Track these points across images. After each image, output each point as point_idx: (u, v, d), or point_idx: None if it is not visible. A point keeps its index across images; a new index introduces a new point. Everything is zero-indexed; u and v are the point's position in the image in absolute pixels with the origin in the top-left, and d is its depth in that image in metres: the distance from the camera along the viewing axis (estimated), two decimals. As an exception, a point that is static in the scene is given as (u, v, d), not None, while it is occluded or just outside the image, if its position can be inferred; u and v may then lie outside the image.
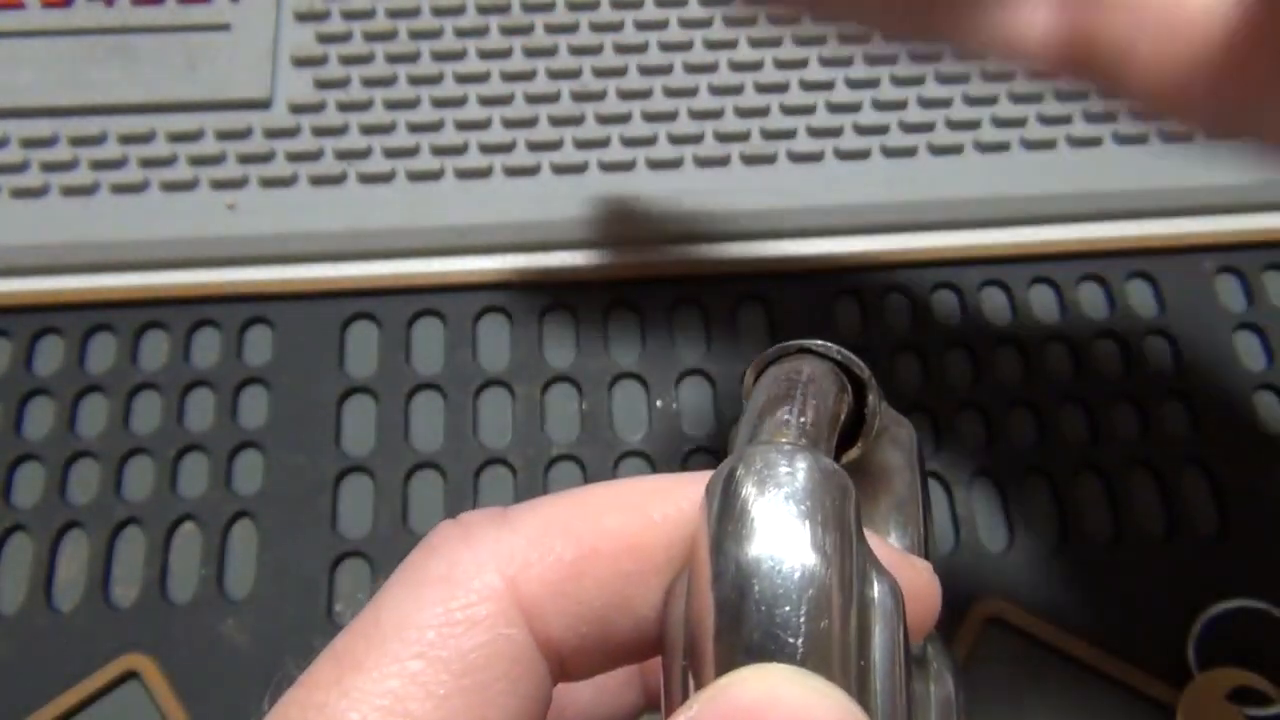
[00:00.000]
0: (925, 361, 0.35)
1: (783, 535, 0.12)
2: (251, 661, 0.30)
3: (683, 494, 0.14)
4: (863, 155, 0.38)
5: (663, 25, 0.40)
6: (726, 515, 0.13)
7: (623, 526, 0.14)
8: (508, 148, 0.38)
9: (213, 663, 0.30)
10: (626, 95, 0.39)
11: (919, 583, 0.15)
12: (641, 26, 0.40)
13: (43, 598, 0.31)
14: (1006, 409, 0.34)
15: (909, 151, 0.38)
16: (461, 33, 0.40)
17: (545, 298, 0.36)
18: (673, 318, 0.36)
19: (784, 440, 0.14)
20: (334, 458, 0.33)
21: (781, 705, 0.11)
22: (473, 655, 0.13)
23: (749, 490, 0.13)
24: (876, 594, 0.13)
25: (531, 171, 0.38)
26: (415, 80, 0.39)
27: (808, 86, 0.39)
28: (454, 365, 0.35)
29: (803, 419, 0.14)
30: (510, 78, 0.39)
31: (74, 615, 0.31)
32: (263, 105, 0.38)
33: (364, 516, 0.33)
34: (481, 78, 0.39)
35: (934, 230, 0.38)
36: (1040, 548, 0.32)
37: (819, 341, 0.16)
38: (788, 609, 0.12)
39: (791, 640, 0.12)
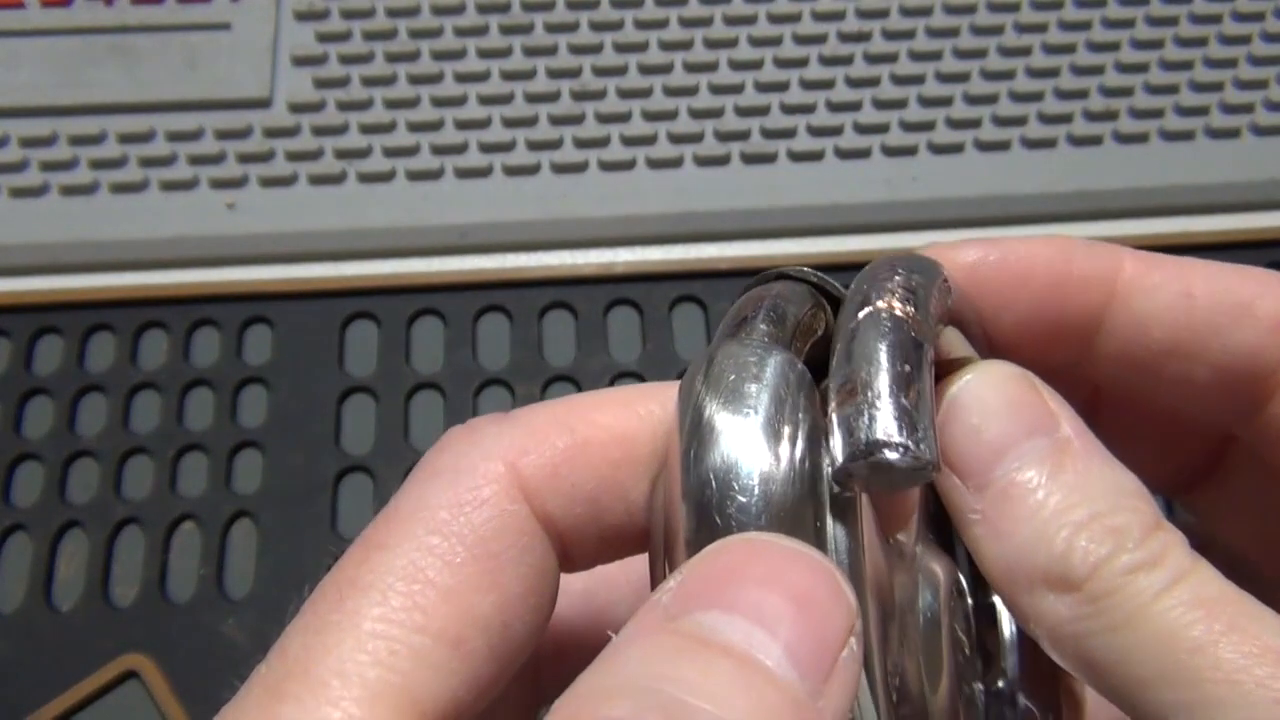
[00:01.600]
0: (925, 360, 0.35)
1: (738, 437, 0.13)
2: (251, 662, 0.30)
3: (665, 394, 0.16)
4: (863, 154, 0.38)
5: (663, 25, 0.40)
6: (690, 422, 0.14)
7: (611, 420, 0.15)
8: (508, 147, 0.38)
9: (213, 663, 0.30)
10: (626, 94, 0.39)
11: None
12: (641, 26, 0.40)
13: (43, 597, 0.31)
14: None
15: (909, 150, 0.38)
16: (461, 32, 0.40)
17: (545, 297, 0.36)
18: (672, 316, 0.36)
19: (747, 339, 0.15)
20: (334, 457, 0.33)
21: (760, 560, 0.13)
22: (482, 529, 0.14)
23: (708, 394, 0.14)
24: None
25: (531, 171, 0.38)
26: (415, 79, 0.39)
27: (808, 85, 0.39)
28: (454, 365, 0.35)
29: (764, 325, 0.15)
30: (510, 77, 0.39)
31: (74, 615, 0.31)
32: (263, 105, 0.38)
33: (364, 516, 0.33)
34: (481, 77, 0.39)
35: (934, 229, 0.37)
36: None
37: (796, 267, 0.17)
38: (746, 499, 0.13)
39: (756, 524, 0.13)
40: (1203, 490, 0.22)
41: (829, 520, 0.14)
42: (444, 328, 0.36)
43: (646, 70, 0.39)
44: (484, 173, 0.38)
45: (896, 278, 0.15)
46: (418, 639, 0.13)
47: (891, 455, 0.13)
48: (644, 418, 0.15)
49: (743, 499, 0.13)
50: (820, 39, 0.40)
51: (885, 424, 0.13)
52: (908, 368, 0.14)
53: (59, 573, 0.32)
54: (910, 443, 0.13)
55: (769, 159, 0.38)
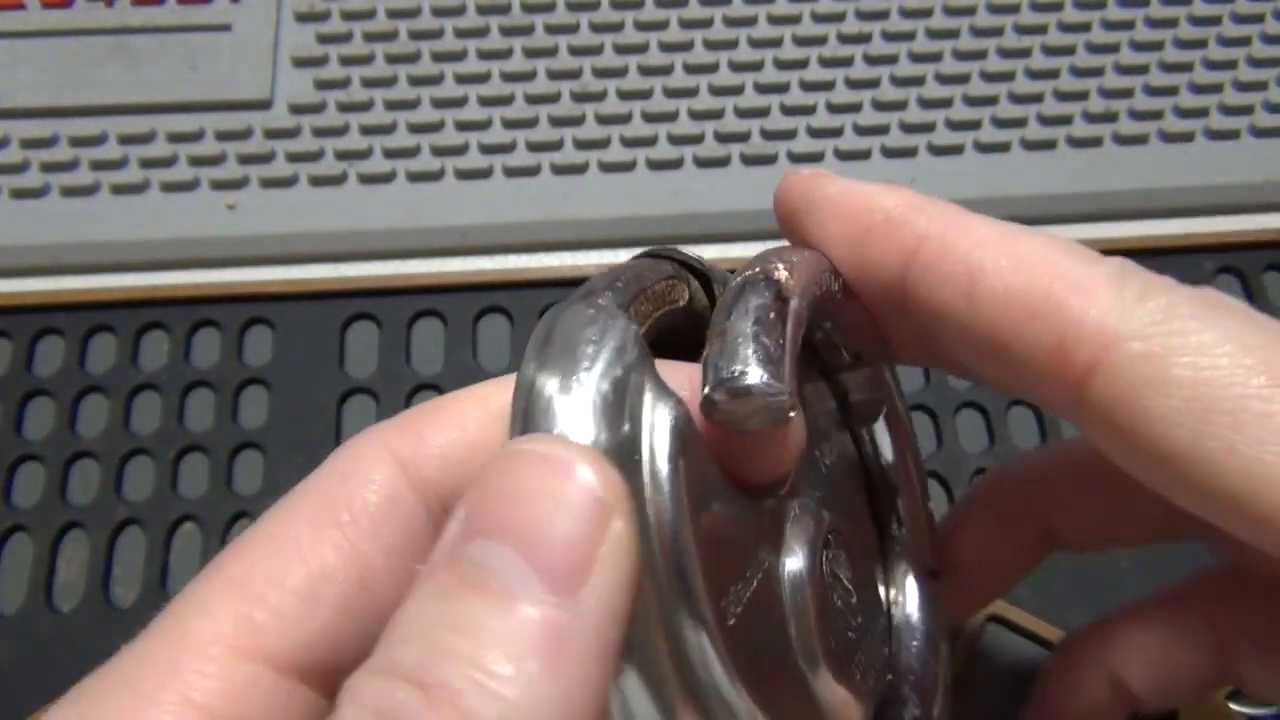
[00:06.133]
0: (925, 362, 0.35)
1: (552, 365, 0.14)
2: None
3: None
4: (863, 155, 0.38)
5: (663, 25, 0.40)
6: (519, 381, 0.14)
7: (477, 393, 0.17)
8: (508, 148, 0.38)
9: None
10: (626, 95, 0.39)
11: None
12: (641, 27, 0.40)
13: (43, 599, 0.31)
14: (1007, 409, 0.34)
15: (909, 152, 0.38)
16: (461, 33, 0.40)
17: (545, 298, 0.36)
18: (673, 318, 0.36)
19: (583, 304, 0.15)
20: (334, 458, 0.33)
21: (515, 473, 0.12)
22: (346, 496, 0.15)
23: (536, 356, 0.14)
24: (655, 413, 0.14)
25: (531, 171, 0.38)
26: (415, 81, 0.39)
27: (808, 86, 0.39)
28: (454, 365, 0.35)
29: (609, 290, 0.16)
30: (510, 78, 0.39)
31: (75, 616, 0.31)
32: (263, 105, 0.38)
33: (364, 517, 0.33)
34: (482, 78, 0.39)
35: (934, 230, 0.37)
36: (1040, 548, 0.32)
37: (665, 246, 0.18)
38: (548, 417, 0.13)
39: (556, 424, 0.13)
40: None
41: (645, 448, 0.14)
42: (444, 329, 0.36)
43: (647, 71, 0.39)
44: (484, 174, 0.38)
45: (776, 257, 0.16)
46: (272, 592, 0.14)
47: (750, 381, 0.14)
48: (506, 386, 0.16)
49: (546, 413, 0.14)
50: (820, 40, 0.40)
51: (745, 356, 0.14)
52: (772, 315, 0.15)
53: (60, 574, 0.32)
54: (767, 374, 0.14)
55: (769, 160, 0.38)
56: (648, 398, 0.14)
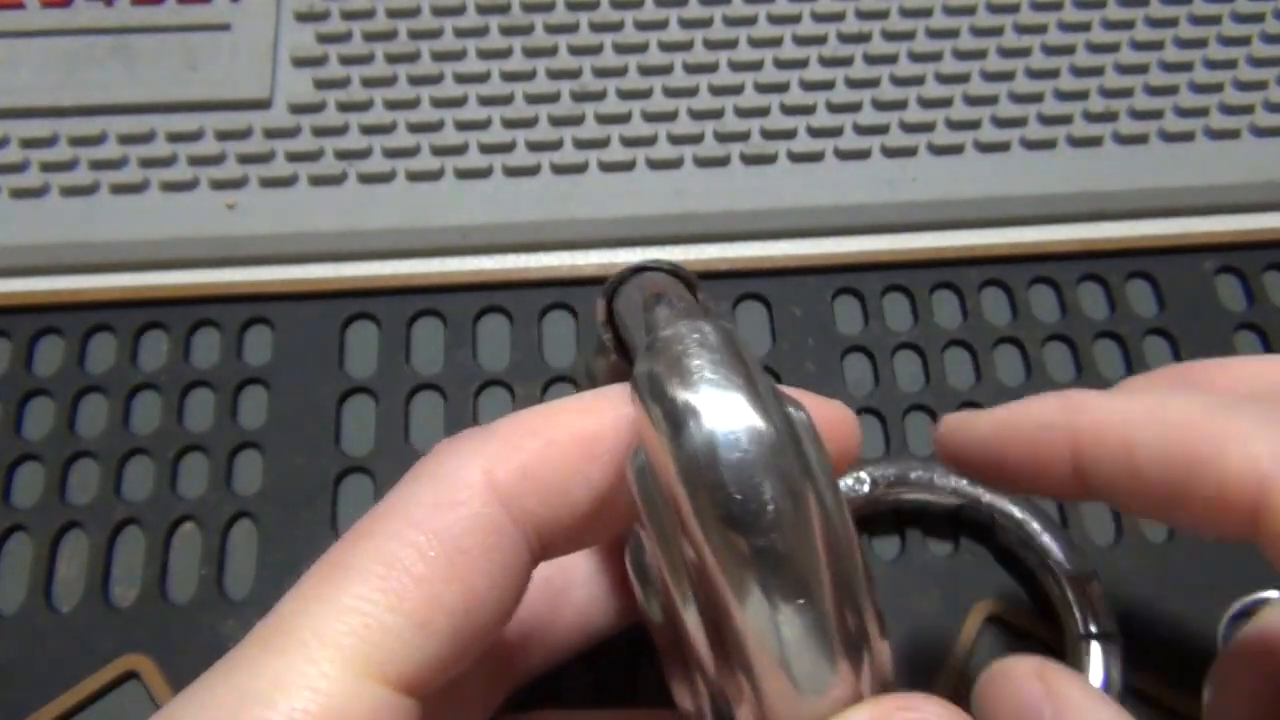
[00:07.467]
0: (925, 361, 0.35)
1: (724, 398, 0.15)
2: (251, 662, 0.30)
3: (619, 393, 0.18)
4: (863, 155, 0.38)
5: (663, 25, 0.40)
6: (662, 396, 0.15)
7: (573, 420, 0.18)
8: (508, 148, 0.38)
9: (213, 663, 0.30)
10: (626, 95, 0.39)
11: (835, 414, 0.19)
12: (641, 26, 0.40)
13: (43, 598, 0.31)
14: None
15: (909, 151, 0.38)
16: (461, 33, 0.40)
17: (545, 298, 0.36)
18: (673, 318, 0.36)
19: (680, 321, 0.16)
20: (334, 458, 0.33)
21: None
22: (454, 528, 0.16)
23: (673, 364, 0.15)
24: (798, 420, 0.16)
25: (531, 171, 0.38)
26: (415, 80, 0.39)
27: (808, 86, 0.39)
28: (454, 365, 0.35)
29: (684, 308, 0.17)
30: (510, 78, 0.39)
31: (74, 615, 0.31)
32: (263, 105, 0.38)
33: (364, 516, 0.33)
34: (481, 78, 0.39)
35: (934, 230, 0.38)
36: (1040, 548, 0.32)
37: (651, 259, 0.19)
38: (754, 476, 0.14)
39: (765, 492, 0.14)
40: None
41: (814, 468, 0.15)
42: (444, 329, 0.36)
43: (646, 71, 0.39)
44: (484, 173, 0.38)
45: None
46: (389, 617, 0.15)
47: None
48: (602, 415, 0.18)
49: (748, 481, 0.14)
50: (820, 40, 0.40)
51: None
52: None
53: (59, 573, 0.32)
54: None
55: (769, 160, 0.38)
56: (796, 415, 0.16)
